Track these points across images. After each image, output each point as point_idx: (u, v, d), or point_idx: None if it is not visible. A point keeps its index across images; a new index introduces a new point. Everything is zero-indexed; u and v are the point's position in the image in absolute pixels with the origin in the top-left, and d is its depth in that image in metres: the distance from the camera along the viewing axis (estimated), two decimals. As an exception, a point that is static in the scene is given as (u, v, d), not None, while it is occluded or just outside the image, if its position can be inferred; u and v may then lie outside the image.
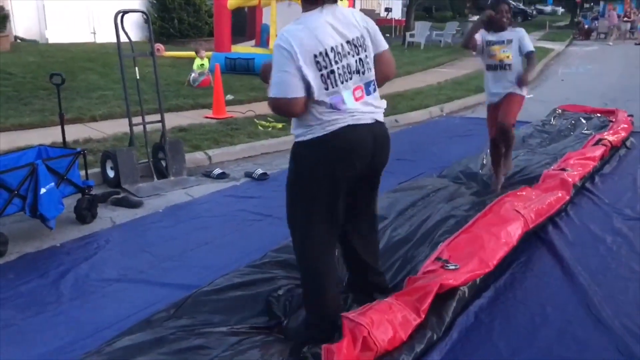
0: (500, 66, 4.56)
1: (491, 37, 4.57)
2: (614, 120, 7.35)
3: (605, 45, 23.46)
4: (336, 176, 2.53)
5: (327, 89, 2.44)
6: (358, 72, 2.53)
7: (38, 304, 3.15)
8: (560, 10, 50.29)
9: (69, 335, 2.84)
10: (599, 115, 7.93)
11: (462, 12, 38.74)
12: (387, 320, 2.58)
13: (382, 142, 2.63)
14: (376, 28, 2.65)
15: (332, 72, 2.44)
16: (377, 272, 3.05)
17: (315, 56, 2.40)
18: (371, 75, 2.59)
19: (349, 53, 2.49)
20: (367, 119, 2.54)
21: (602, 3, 37.61)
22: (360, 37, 2.54)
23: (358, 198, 2.78)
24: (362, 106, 2.54)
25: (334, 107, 2.46)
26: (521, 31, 4.56)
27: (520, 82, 4.53)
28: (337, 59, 2.45)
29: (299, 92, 2.40)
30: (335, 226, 2.68)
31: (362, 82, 2.55)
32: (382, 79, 2.71)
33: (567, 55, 19.44)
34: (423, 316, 2.71)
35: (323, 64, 2.42)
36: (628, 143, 6.59)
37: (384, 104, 2.67)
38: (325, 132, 2.46)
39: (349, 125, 2.48)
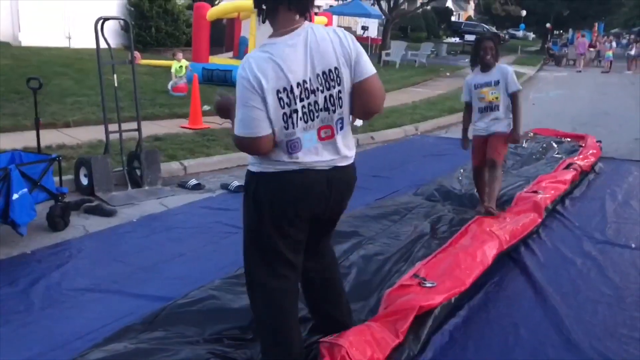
0: (489, 107, 4.62)
1: (478, 79, 4.64)
2: (583, 145, 7.54)
3: (574, 71, 24.10)
4: (285, 212, 2.29)
5: (286, 128, 2.19)
6: (327, 109, 2.23)
7: (7, 313, 3.07)
8: (532, 35, 51.59)
9: (39, 346, 2.77)
10: (569, 139, 8.12)
11: (436, 33, 39.46)
12: (364, 341, 2.59)
13: (340, 188, 2.36)
14: (360, 51, 2.29)
15: (295, 111, 2.18)
16: (340, 307, 2.79)
17: (279, 92, 2.13)
18: (342, 111, 2.28)
19: (317, 89, 2.20)
20: (322, 166, 2.28)
21: (570, 30, 38.77)
22: (334, 69, 2.21)
23: (309, 241, 2.49)
24: (325, 149, 2.28)
25: (291, 150, 2.22)
26: (506, 69, 4.61)
27: (514, 141, 4.75)
28: (303, 95, 2.17)
29: (266, 129, 2.15)
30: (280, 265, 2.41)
31: (331, 122, 2.26)
32: (365, 113, 2.39)
33: (538, 80, 19.91)
34: (402, 337, 2.73)
35: (286, 100, 2.15)
36: (597, 168, 6.77)
37: (352, 144, 2.41)
38: (275, 170, 2.25)
39: (302, 170, 2.25)
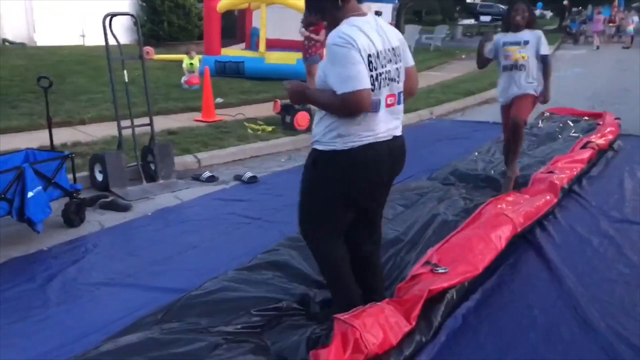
0: (515, 66, 4.55)
1: (508, 38, 4.59)
2: (601, 123, 7.41)
3: (592, 48, 23.64)
4: (349, 189, 2.60)
5: (373, 90, 2.45)
6: (394, 80, 2.56)
7: (24, 309, 3.12)
8: (549, 14, 50.67)
9: (56, 340, 2.82)
10: (586, 118, 7.99)
11: (451, 15, 38.96)
12: (378, 324, 2.59)
13: (398, 155, 2.68)
14: (406, 42, 2.69)
15: (380, 74, 2.48)
16: (379, 278, 3.05)
17: (370, 56, 2.43)
18: (401, 86, 2.63)
19: (390, 60, 2.53)
20: (386, 137, 2.57)
21: (590, 7, 37.93)
22: (398, 47, 2.59)
23: (368, 211, 2.83)
24: (388, 116, 2.56)
25: (373, 109, 2.49)
26: (539, 33, 4.57)
27: (545, 102, 4.71)
28: (383, 62, 2.48)
29: (369, 83, 2.41)
30: (343, 227, 2.77)
31: (396, 91, 2.59)
32: (407, 93, 2.73)
33: (556, 59, 19.52)
34: (413, 323, 2.73)
35: (374, 65, 2.45)
36: (615, 146, 6.65)
37: (402, 116, 2.72)
38: (343, 147, 2.50)
39: (369, 144, 2.51)
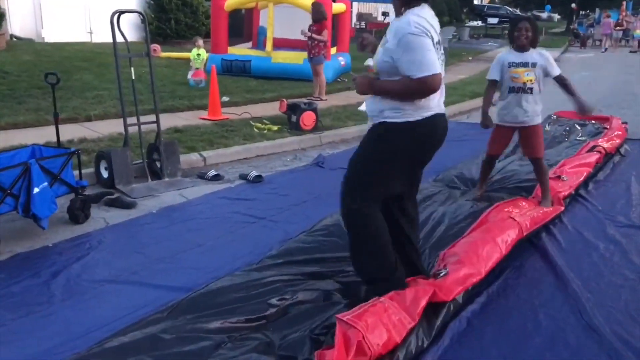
0: (522, 89, 4.37)
1: (514, 58, 4.39)
2: (608, 127, 7.38)
3: (600, 52, 23.56)
4: (416, 157, 2.90)
5: None
6: (442, 64, 2.82)
7: (29, 304, 3.13)
8: (557, 16, 50.51)
9: (60, 336, 2.82)
10: (593, 122, 7.95)
11: (458, 17, 38.87)
12: (382, 324, 2.57)
13: (446, 130, 2.95)
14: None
15: (439, 59, 2.75)
16: (417, 252, 3.22)
17: (435, 43, 2.71)
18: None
19: (438, 48, 2.78)
20: (443, 109, 2.90)
21: (598, 10, 37.80)
22: (439, 39, 2.85)
23: (413, 181, 3.07)
24: (440, 94, 2.84)
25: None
26: (546, 55, 4.42)
27: (585, 112, 4.50)
28: (437, 47, 2.76)
29: (439, 68, 2.70)
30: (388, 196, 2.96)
31: (443, 73, 2.80)
32: None
33: (563, 62, 19.50)
34: (417, 319, 2.71)
35: (437, 50, 2.73)
36: (622, 150, 6.62)
37: None
38: (417, 118, 2.76)
39: (437, 114, 2.82)
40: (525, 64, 4.35)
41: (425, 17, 2.73)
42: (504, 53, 4.51)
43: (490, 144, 4.75)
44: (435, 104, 2.81)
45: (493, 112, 4.54)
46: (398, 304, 2.76)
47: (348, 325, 2.49)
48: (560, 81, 4.42)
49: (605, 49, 23.88)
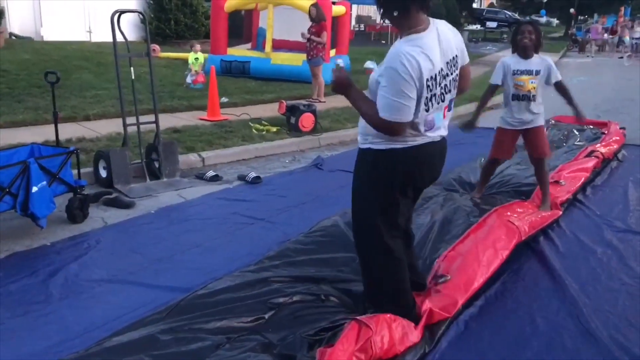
0: (527, 97, 4.38)
1: (518, 65, 4.37)
2: (606, 132, 7.40)
3: (598, 57, 23.61)
4: (412, 182, 2.70)
5: (427, 110, 2.52)
6: (449, 91, 2.61)
7: (27, 303, 3.13)
8: (555, 21, 50.64)
9: (57, 335, 2.82)
10: (591, 127, 7.97)
11: (457, 20, 38.90)
12: (389, 332, 2.62)
13: (443, 155, 2.78)
14: (462, 40, 2.71)
15: (435, 95, 2.51)
16: (417, 270, 3.16)
17: (428, 80, 2.43)
18: (454, 93, 2.68)
19: (447, 75, 2.55)
20: (437, 138, 2.66)
21: (596, 15, 37.88)
22: (455, 57, 2.59)
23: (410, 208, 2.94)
24: (442, 124, 2.66)
25: (426, 128, 2.57)
26: (549, 62, 4.43)
27: (583, 119, 4.61)
28: (439, 81, 2.50)
29: (411, 116, 2.45)
30: (399, 228, 2.82)
31: (447, 101, 2.63)
32: (460, 91, 2.77)
33: (561, 67, 19.50)
34: (420, 336, 2.76)
35: (431, 87, 2.47)
36: (620, 155, 6.64)
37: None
38: (403, 146, 2.56)
39: (427, 143, 2.60)
40: (529, 72, 4.36)
41: (422, 46, 2.42)
42: (508, 58, 4.49)
43: (494, 147, 4.76)
44: (421, 133, 2.58)
45: (488, 116, 4.55)
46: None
47: (363, 323, 2.57)
48: (560, 87, 4.45)
49: (591, 56, 23.89)
